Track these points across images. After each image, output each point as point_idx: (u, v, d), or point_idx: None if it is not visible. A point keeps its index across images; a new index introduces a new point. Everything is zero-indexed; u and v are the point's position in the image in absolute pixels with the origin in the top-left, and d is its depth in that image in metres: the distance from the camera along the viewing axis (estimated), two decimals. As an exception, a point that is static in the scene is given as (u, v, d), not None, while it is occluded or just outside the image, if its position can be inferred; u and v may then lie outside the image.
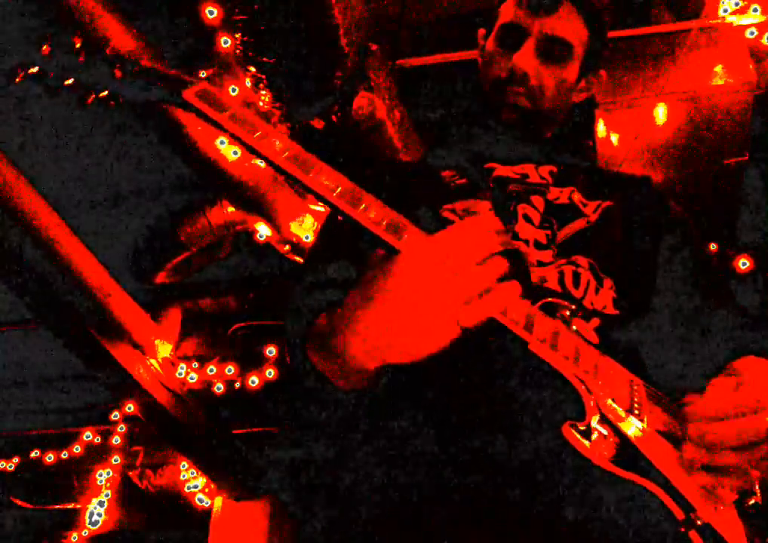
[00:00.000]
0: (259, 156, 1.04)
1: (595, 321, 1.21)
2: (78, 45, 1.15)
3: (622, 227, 1.42)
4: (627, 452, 1.06)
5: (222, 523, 5.65)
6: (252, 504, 5.57)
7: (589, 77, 1.57)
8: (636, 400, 1.12)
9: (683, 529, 1.02)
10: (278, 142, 1.04)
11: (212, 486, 5.68)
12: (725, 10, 3.34)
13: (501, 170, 1.45)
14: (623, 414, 1.10)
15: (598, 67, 1.58)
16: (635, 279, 1.36)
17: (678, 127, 3.43)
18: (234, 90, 3.60)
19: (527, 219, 1.36)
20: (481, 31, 1.60)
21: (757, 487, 1.09)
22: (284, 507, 5.38)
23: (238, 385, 5.07)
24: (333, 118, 3.10)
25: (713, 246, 3.94)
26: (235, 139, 1.05)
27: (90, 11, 2.88)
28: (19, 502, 6.36)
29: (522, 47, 1.45)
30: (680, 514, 1.03)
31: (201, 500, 5.87)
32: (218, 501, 5.74)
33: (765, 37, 3.35)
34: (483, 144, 1.51)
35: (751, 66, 3.30)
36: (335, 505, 1.20)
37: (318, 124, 3.14)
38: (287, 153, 1.03)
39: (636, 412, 1.10)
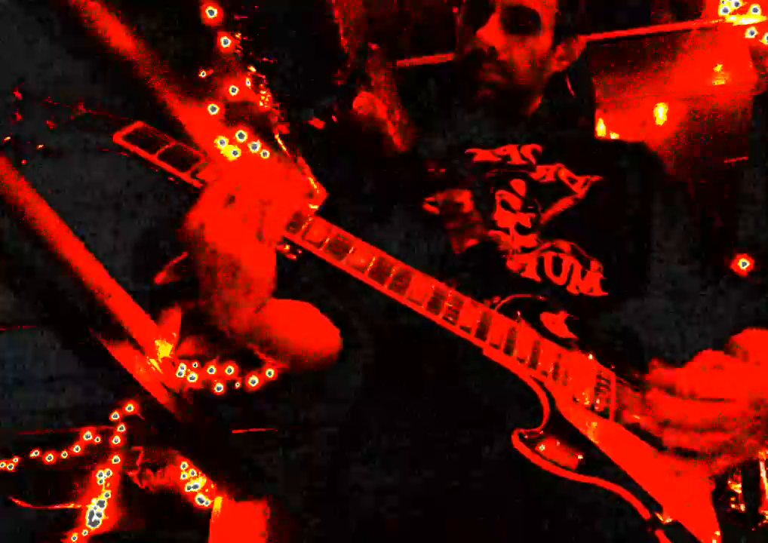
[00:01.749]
0: (195, 191, 1.07)
1: (563, 314, 1.18)
2: (16, 99, 1.21)
3: (612, 201, 1.38)
4: (585, 454, 1.04)
5: (222, 523, 5.64)
6: (252, 504, 5.56)
7: (566, 44, 1.51)
8: (601, 395, 1.10)
9: (649, 529, 1.01)
10: (213, 172, 1.08)
11: (212, 486, 5.68)
12: (725, 10, 3.34)
13: (481, 155, 1.43)
14: (584, 412, 1.07)
15: (574, 32, 1.52)
16: (625, 256, 1.33)
17: (678, 127, 3.42)
18: (234, 90, 3.60)
19: (505, 205, 1.34)
20: (455, 9, 1.56)
21: (731, 480, 1.08)
22: (284, 507, 5.37)
23: (238, 384, 5.07)
24: (333, 118, 3.10)
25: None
26: (168, 175, 1.09)
27: (90, 11, 2.88)
28: (19, 502, 6.35)
29: (488, 21, 1.40)
30: (646, 514, 1.01)
31: (201, 500, 5.86)
32: (218, 501, 5.74)
33: (765, 37, 3.34)
34: (464, 128, 1.49)
35: (750, 66, 3.30)
36: (335, 505, 1.21)
37: (318, 124, 3.13)
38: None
39: (599, 408, 1.08)
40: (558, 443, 1.04)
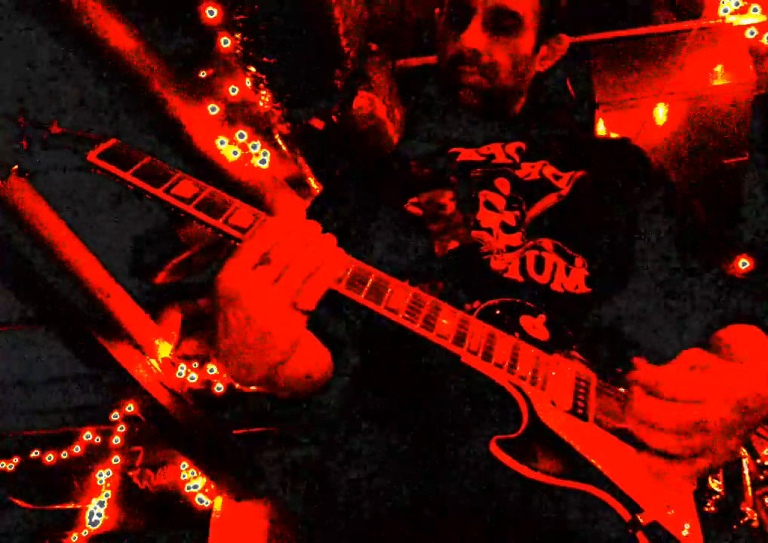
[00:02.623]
0: (168, 206, 1.07)
1: (542, 317, 1.18)
2: None
3: (596, 196, 1.37)
4: (565, 458, 1.04)
5: (222, 523, 5.64)
6: (252, 504, 5.57)
7: (550, 43, 1.50)
8: (581, 398, 1.10)
9: (630, 531, 1.00)
10: (188, 188, 1.08)
11: (212, 486, 5.69)
12: (725, 10, 3.34)
13: (465, 154, 1.42)
14: (563, 416, 1.07)
15: (557, 31, 1.50)
16: (610, 251, 1.32)
17: (678, 127, 3.42)
18: (234, 90, 3.60)
19: (489, 205, 1.33)
20: (437, 10, 1.54)
21: (713, 478, 1.07)
22: (284, 507, 5.38)
23: (238, 384, 5.07)
24: (333, 118, 3.10)
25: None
26: (141, 192, 1.08)
27: (90, 11, 2.88)
28: (19, 502, 6.36)
29: (469, 24, 1.39)
30: (626, 516, 1.01)
31: (201, 500, 5.87)
32: (218, 501, 5.74)
33: (765, 37, 3.35)
34: (448, 128, 1.48)
35: (750, 66, 3.30)
36: (335, 505, 1.21)
37: (318, 124, 3.13)
38: (196, 200, 1.07)
39: (579, 411, 1.08)
40: (537, 447, 1.04)
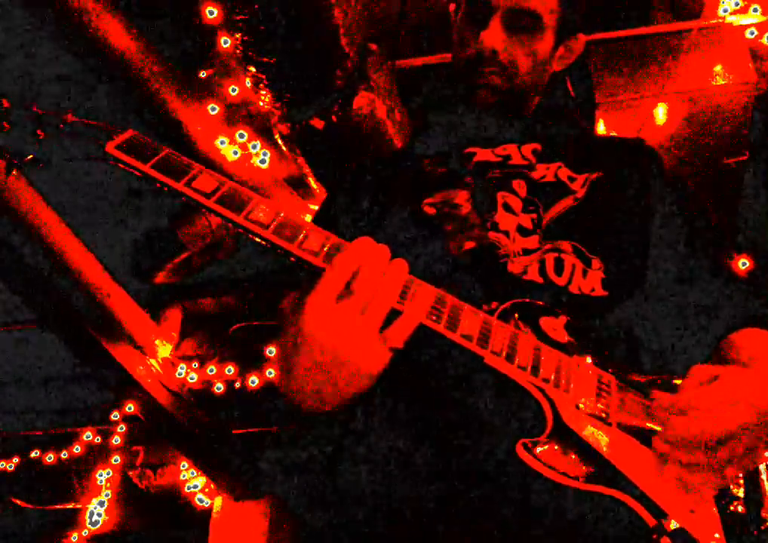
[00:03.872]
0: (190, 200, 1.05)
1: (563, 319, 1.17)
2: (4, 107, 1.15)
3: (611, 199, 1.37)
4: (590, 462, 1.03)
5: (222, 523, 5.64)
6: (252, 504, 5.56)
7: (567, 43, 1.50)
8: (603, 400, 1.09)
9: (654, 537, 1.00)
10: (208, 182, 1.05)
11: (212, 486, 5.68)
12: (725, 10, 3.34)
13: (481, 154, 1.41)
14: (587, 419, 1.06)
15: (575, 31, 1.50)
16: (626, 254, 1.32)
17: (678, 127, 3.42)
18: (234, 90, 3.60)
19: (507, 207, 1.32)
20: (452, 6, 1.53)
21: (734, 484, 1.07)
22: (284, 507, 5.37)
23: (238, 384, 5.07)
24: (333, 118, 3.10)
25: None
26: (162, 185, 1.06)
27: (90, 11, 2.88)
28: (19, 502, 6.35)
29: (489, 24, 1.37)
30: (651, 521, 1.01)
31: (201, 500, 5.86)
32: (218, 501, 5.74)
33: (765, 37, 3.34)
34: (464, 127, 1.46)
35: (750, 66, 3.30)
36: (335, 505, 1.20)
37: (318, 124, 3.13)
38: (218, 194, 1.05)
39: (602, 414, 1.07)
40: (562, 451, 1.03)
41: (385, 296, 0.99)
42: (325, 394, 1.02)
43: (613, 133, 3.41)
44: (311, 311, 0.98)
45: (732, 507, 1.06)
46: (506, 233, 1.29)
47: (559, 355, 1.11)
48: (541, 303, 1.17)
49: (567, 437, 1.04)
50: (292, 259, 1.05)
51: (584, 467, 1.03)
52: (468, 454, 1.11)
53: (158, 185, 1.07)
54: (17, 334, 5.42)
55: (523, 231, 1.30)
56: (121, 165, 1.08)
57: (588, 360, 1.14)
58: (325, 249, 1.03)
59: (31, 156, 1.17)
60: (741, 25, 3.34)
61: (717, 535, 1.02)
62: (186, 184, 1.06)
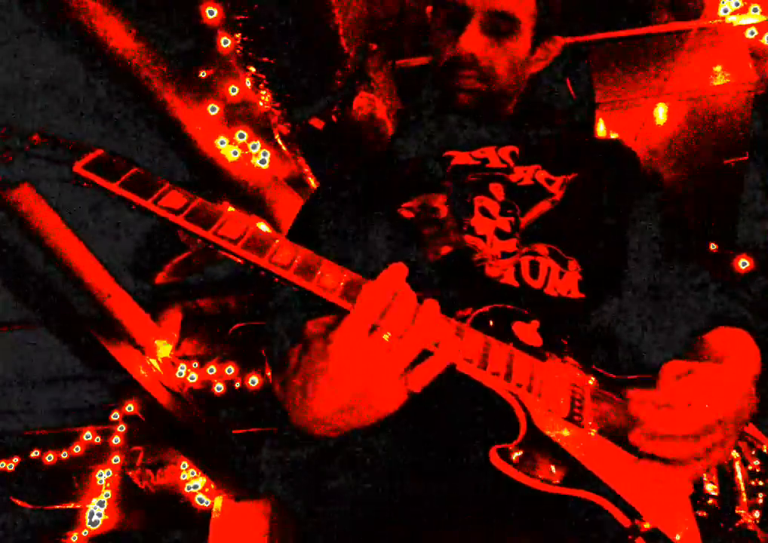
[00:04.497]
0: (158, 218, 1.05)
1: (535, 323, 1.17)
2: None
3: (588, 200, 1.38)
4: (564, 465, 1.04)
5: (222, 523, 5.64)
6: (252, 504, 5.57)
7: (544, 45, 1.50)
8: (577, 404, 1.09)
9: (630, 537, 1.01)
10: (176, 199, 1.05)
11: (212, 486, 5.69)
12: (725, 10, 3.34)
13: (459, 158, 1.42)
14: (560, 423, 1.07)
15: (552, 33, 1.50)
16: (603, 254, 1.33)
17: (678, 127, 3.42)
18: (234, 90, 3.60)
19: (484, 211, 1.33)
20: (429, 8, 1.52)
21: (708, 482, 1.08)
22: (284, 507, 5.37)
23: (237, 385, 5.07)
24: (333, 118, 3.10)
25: (713, 246, 3.95)
26: (130, 204, 1.06)
27: (90, 11, 2.88)
28: (19, 502, 6.36)
29: (466, 28, 1.38)
30: (626, 522, 1.01)
31: (201, 500, 5.87)
32: (218, 501, 5.74)
33: (765, 37, 3.35)
34: (442, 130, 1.47)
35: (750, 66, 3.30)
36: (335, 505, 1.20)
37: (318, 124, 3.13)
38: (185, 211, 1.05)
39: (576, 418, 1.08)
40: (536, 455, 1.04)
41: (414, 338, 1.00)
42: (337, 422, 1.04)
43: (614, 135, 3.42)
44: (341, 342, 0.99)
45: (706, 506, 1.07)
46: (483, 237, 1.30)
47: (532, 360, 1.11)
48: (511, 307, 1.17)
49: (540, 442, 1.05)
50: (262, 273, 1.06)
51: (558, 471, 1.03)
52: (444, 460, 1.13)
53: (126, 203, 1.06)
54: (17, 334, 5.42)
55: (501, 234, 1.30)
56: (89, 185, 1.08)
57: (562, 362, 1.14)
58: (296, 262, 1.04)
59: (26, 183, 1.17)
60: (741, 25, 3.35)
61: (691, 534, 1.03)
62: (154, 202, 1.05)
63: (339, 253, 1.27)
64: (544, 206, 1.35)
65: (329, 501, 1.19)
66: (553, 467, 1.03)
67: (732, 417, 1.02)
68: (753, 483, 1.12)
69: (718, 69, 3.30)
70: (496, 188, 1.36)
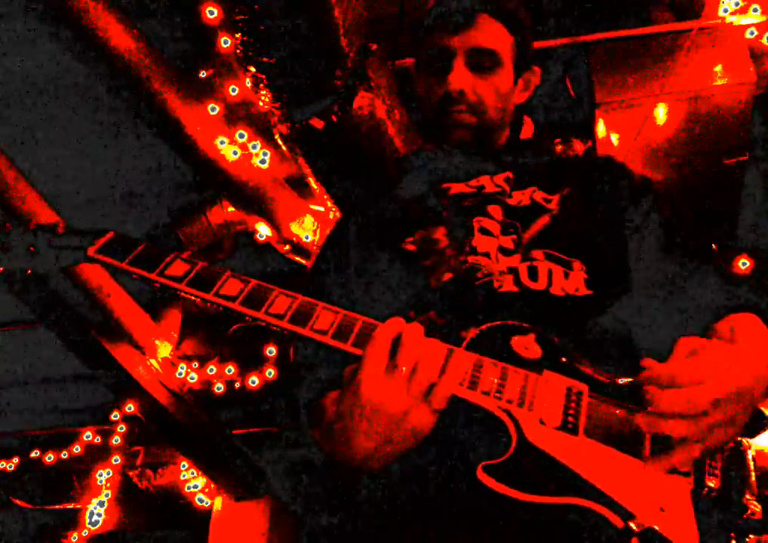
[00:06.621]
0: (163, 287, 1.20)
1: (531, 336, 1.21)
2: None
3: (584, 208, 1.43)
4: (555, 474, 1.06)
5: (222, 523, 5.65)
6: (252, 504, 5.57)
7: (525, 76, 1.60)
8: (571, 412, 1.11)
9: (624, 539, 1.02)
10: (180, 267, 1.20)
11: (212, 486, 5.69)
12: (725, 10, 3.34)
13: (456, 188, 1.48)
14: (552, 433, 1.09)
15: (530, 64, 1.61)
16: (605, 254, 1.37)
17: (678, 127, 3.42)
18: (234, 90, 3.60)
19: (483, 231, 1.38)
20: (409, 60, 1.63)
21: (710, 476, 1.09)
22: (284, 507, 5.37)
23: (237, 385, 5.07)
24: (333, 118, 3.10)
25: (713, 246, 3.94)
26: (140, 278, 1.21)
27: (90, 11, 2.88)
28: (19, 502, 6.36)
29: (453, 66, 1.47)
30: (619, 524, 1.03)
31: (201, 500, 5.87)
32: (218, 501, 5.74)
33: (765, 37, 3.35)
34: (439, 166, 1.54)
35: (751, 66, 3.30)
36: (335, 506, 1.21)
37: (318, 124, 3.13)
38: (189, 277, 1.20)
39: (569, 426, 1.10)
40: (527, 467, 1.07)
41: (428, 368, 1.09)
42: (380, 452, 1.11)
43: (614, 135, 3.42)
44: (366, 382, 1.09)
45: (708, 500, 1.07)
46: (487, 254, 1.34)
47: (526, 374, 1.14)
48: (510, 323, 1.20)
49: (531, 454, 1.08)
50: (261, 323, 1.18)
51: (548, 481, 1.06)
52: (437, 478, 1.18)
53: (135, 276, 1.22)
54: (17, 334, 5.42)
55: (505, 251, 1.35)
56: (102, 266, 1.26)
57: (564, 368, 1.16)
58: (291, 310, 1.15)
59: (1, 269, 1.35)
60: (741, 25, 3.34)
61: (689, 532, 1.04)
62: (159, 274, 1.20)
63: (348, 291, 1.38)
64: (544, 220, 1.40)
65: (345, 499, 1.22)
66: (543, 477, 1.06)
67: (741, 393, 1.03)
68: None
69: (718, 68, 3.30)
70: (495, 210, 1.42)
